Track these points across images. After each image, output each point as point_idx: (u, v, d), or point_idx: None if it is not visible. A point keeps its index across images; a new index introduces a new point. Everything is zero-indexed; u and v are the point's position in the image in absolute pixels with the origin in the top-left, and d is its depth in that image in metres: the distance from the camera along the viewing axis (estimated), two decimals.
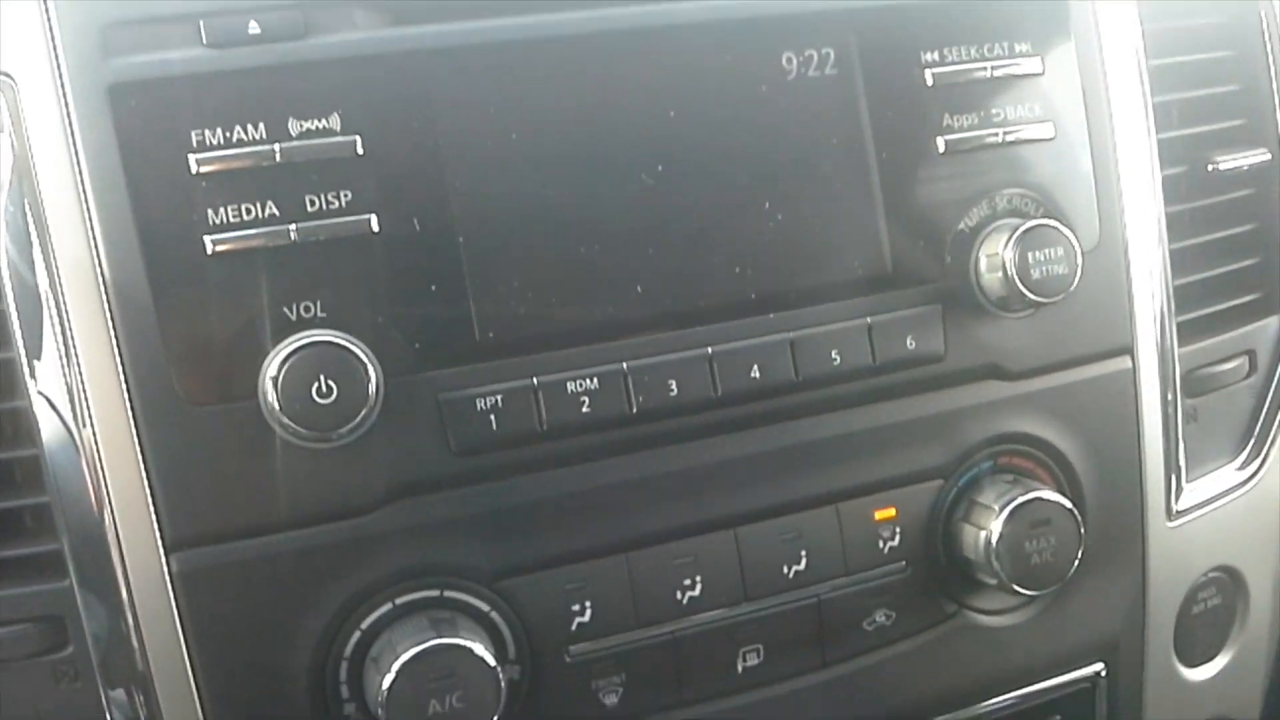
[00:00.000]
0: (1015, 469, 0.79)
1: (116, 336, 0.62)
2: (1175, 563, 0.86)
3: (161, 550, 0.63)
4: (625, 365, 0.69)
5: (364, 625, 0.66)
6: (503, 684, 0.64)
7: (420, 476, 0.67)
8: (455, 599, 0.68)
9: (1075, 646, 0.82)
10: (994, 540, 0.74)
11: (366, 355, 0.62)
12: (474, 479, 0.68)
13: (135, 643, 0.64)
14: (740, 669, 0.73)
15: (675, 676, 0.72)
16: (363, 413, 0.62)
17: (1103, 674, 0.82)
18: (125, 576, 0.63)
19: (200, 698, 0.65)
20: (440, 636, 0.64)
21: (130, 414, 0.62)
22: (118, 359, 0.62)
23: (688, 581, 0.71)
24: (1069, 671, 0.81)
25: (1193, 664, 0.90)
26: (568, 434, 0.68)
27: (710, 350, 0.70)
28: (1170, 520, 0.85)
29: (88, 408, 0.62)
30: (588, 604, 0.70)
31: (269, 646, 0.65)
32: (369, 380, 0.62)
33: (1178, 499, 0.86)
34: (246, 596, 0.65)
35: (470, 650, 0.64)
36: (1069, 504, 0.75)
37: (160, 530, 0.63)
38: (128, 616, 0.64)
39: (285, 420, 0.61)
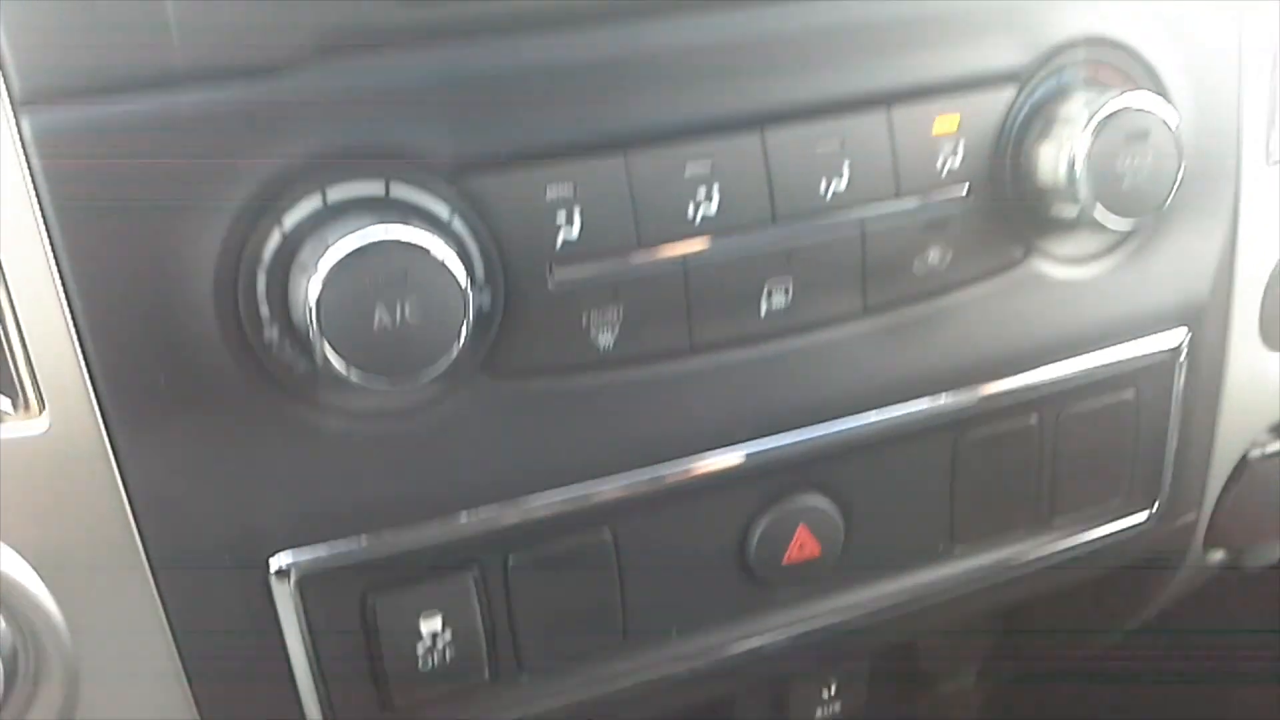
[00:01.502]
0: (1102, 81, 0.64)
1: None
2: (1270, 214, 0.72)
3: (9, 104, 0.48)
4: None
5: (286, 224, 0.51)
6: (469, 295, 0.50)
7: (359, 23, 0.51)
8: (406, 200, 0.52)
9: (1156, 308, 0.68)
10: (1079, 157, 0.59)
11: None
12: (431, 33, 0.52)
13: None
14: (764, 310, 0.59)
15: (684, 314, 0.58)
16: None
17: (1186, 342, 0.69)
18: None
19: (78, 333, 0.51)
20: (388, 230, 0.49)
21: None
22: None
23: (702, 192, 0.56)
24: (1149, 335, 0.68)
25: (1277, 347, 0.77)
26: None
27: None
28: (1269, 163, 0.71)
29: None
30: (576, 213, 0.55)
31: (159, 247, 0.50)
32: None
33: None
34: (126, 178, 0.49)
35: (427, 251, 0.49)
36: (1171, 116, 0.60)
37: (4, 79, 0.47)
38: None
39: None
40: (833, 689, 0.86)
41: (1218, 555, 0.85)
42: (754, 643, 0.67)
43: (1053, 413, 0.68)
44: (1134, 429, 0.71)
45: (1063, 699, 1.47)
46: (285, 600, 0.56)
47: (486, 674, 0.61)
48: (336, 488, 0.55)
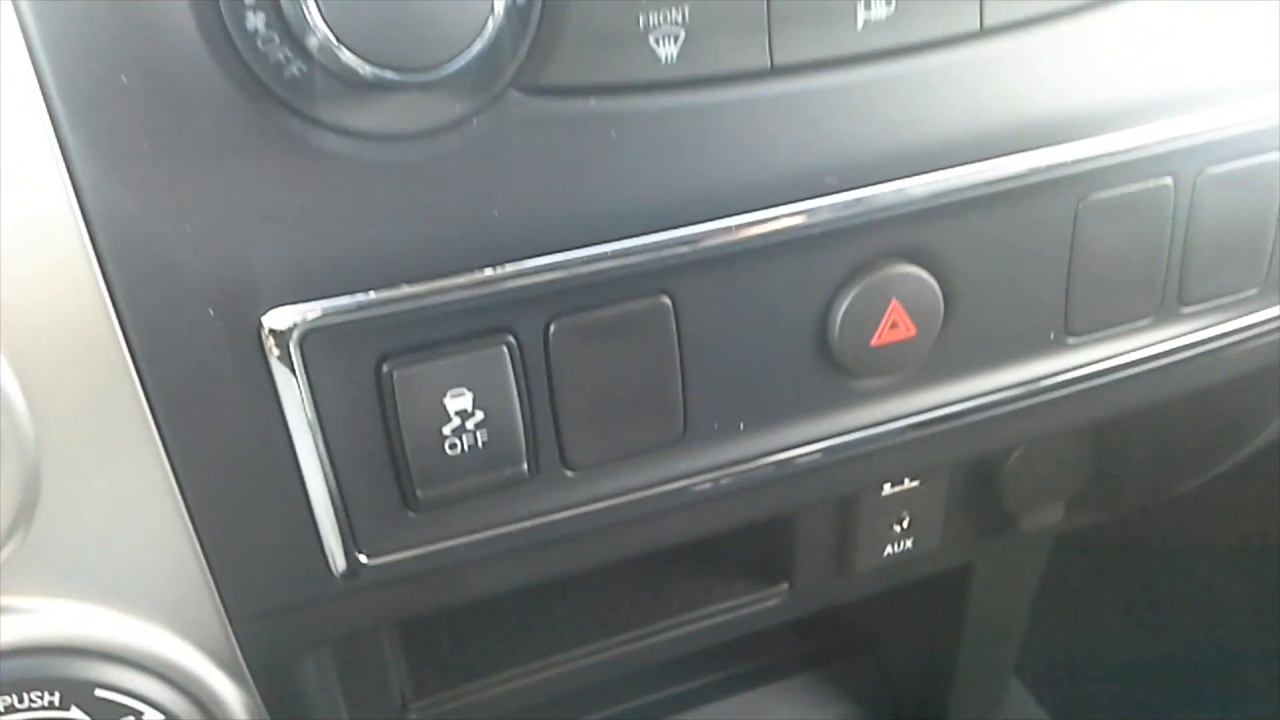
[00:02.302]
0: None
1: None
2: None
3: None
4: None
5: None
6: None
7: None
8: None
9: None
10: None
11: None
12: None
13: None
14: (860, 21, 0.48)
15: (764, 21, 0.47)
16: None
17: None
18: None
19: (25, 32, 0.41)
20: None
21: None
22: None
23: None
24: None
25: None
26: None
27: None
28: None
29: None
30: None
31: None
32: None
33: None
34: None
35: None
36: None
37: None
38: None
39: None
40: (905, 523, 0.77)
41: None
42: (833, 443, 0.57)
43: (1190, 173, 0.57)
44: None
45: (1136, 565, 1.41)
46: (284, 370, 0.47)
47: (525, 466, 0.52)
48: (342, 228, 0.45)
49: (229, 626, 0.53)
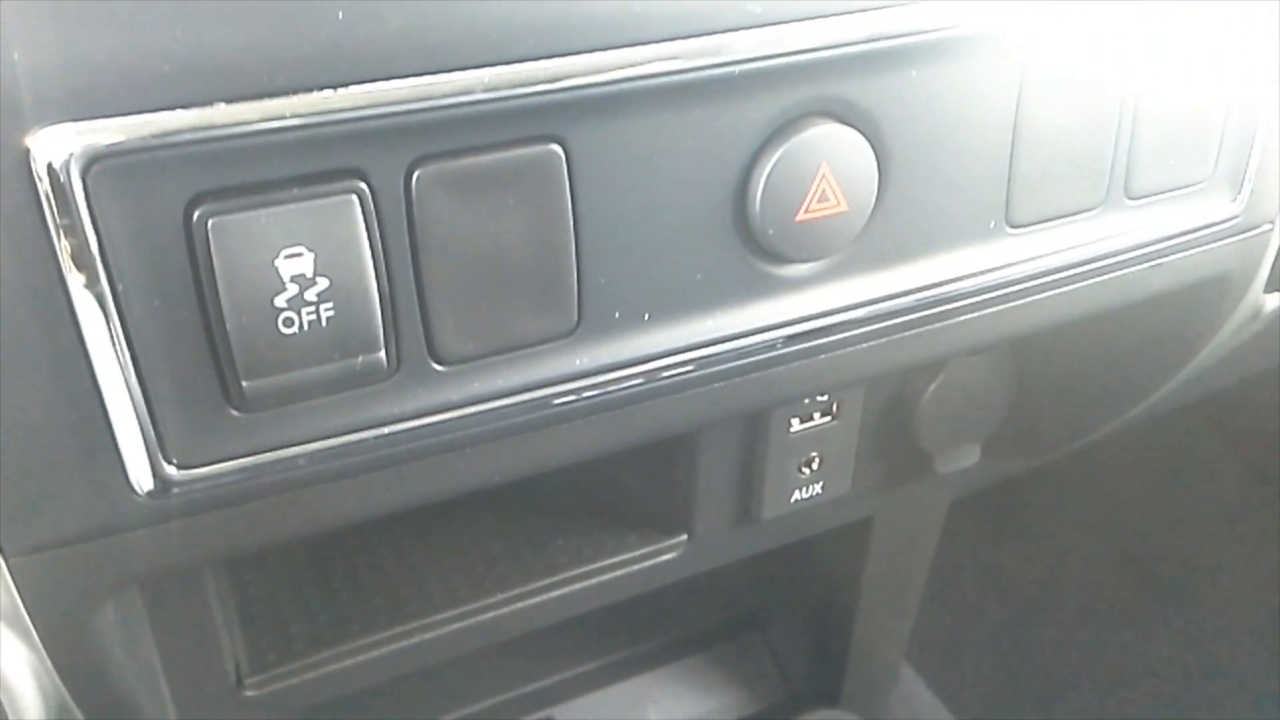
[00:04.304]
0: None
1: None
2: None
3: None
4: None
5: None
6: None
7: None
8: None
9: None
10: None
11: None
12: None
13: None
14: None
15: None
16: None
17: None
18: None
19: None
20: None
21: None
22: None
23: None
24: None
25: None
26: None
27: None
28: None
29: None
30: None
31: None
32: None
33: None
34: None
35: None
36: None
37: None
38: None
39: None
40: (815, 465, 0.69)
41: (1274, 302, 0.71)
42: (751, 341, 0.49)
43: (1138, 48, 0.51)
44: (1230, 88, 0.55)
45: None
46: (62, 214, 0.36)
47: (382, 355, 0.42)
48: (143, 22, 0.35)
49: (2, 561, 0.42)
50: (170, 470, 0.41)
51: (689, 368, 0.48)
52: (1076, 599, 1.50)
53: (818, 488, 0.71)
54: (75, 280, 0.37)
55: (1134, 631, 1.45)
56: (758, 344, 0.49)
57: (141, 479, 0.41)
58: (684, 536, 0.70)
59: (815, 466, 0.70)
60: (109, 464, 0.40)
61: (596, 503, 0.72)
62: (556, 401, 0.46)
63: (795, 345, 0.50)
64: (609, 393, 0.47)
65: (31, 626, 0.44)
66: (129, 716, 0.54)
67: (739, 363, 0.49)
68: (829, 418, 0.68)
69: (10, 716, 0.44)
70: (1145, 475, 1.62)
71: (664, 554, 0.69)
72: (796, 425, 0.67)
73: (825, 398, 0.66)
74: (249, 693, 0.60)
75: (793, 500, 0.70)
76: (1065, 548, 1.57)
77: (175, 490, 0.41)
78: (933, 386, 0.70)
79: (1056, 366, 0.74)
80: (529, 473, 0.50)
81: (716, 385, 0.50)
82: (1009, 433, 0.77)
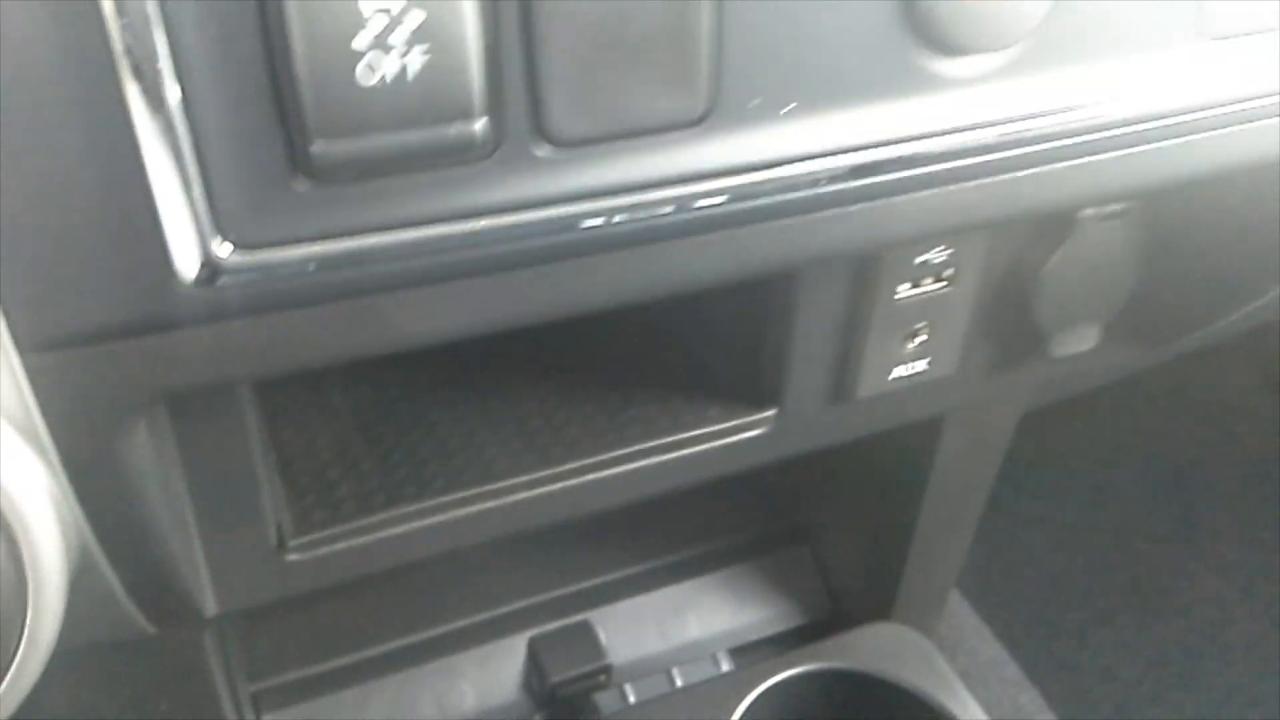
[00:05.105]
0: None
1: None
2: None
3: None
4: None
5: None
6: None
7: None
8: None
9: None
10: None
11: None
12: None
13: None
14: None
15: None
16: None
17: None
18: None
19: None
20: None
21: None
22: None
23: None
24: None
25: None
26: None
27: None
28: None
29: None
30: None
31: None
32: None
33: None
34: None
35: None
36: None
37: None
38: None
39: None
40: (921, 339, 0.62)
41: None
42: (905, 152, 0.41)
43: None
44: None
45: None
46: None
47: (480, 125, 0.34)
48: None
49: (18, 360, 0.35)
50: (222, 251, 0.34)
51: (833, 174, 0.40)
52: (1114, 531, 1.47)
53: (922, 364, 0.64)
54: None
55: (1168, 568, 1.43)
56: (915, 155, 0.41)
57: (187, 260, 0.33)
58: (773, 411, 0.62)
59: (922, 341, 0.63)
60: (148, 240, 0.33)
61: (673, 371, 0.65)
62: (679, 205, 0.39)
63: (955, 161, 0.42)
64: (736, 200, 0.40)
65: (52, 445, 0.37)
66: (161, 575, 0.48)
67: (890, 177, 0.41)
68: (943, 283, 0.61)
69: (25, 554, 0.37)
70: (1184, 411, 1.59)
71: (750, 429, 0.62)
72: (904, 290, 0.60)
73: (945, 255, 0.58)
74: (291, 556, 0.54)
75: (892, 377, 0.63)
76: (1104, 481, 1.53)
77: (226, 278, 0.34)
78: (1058, 253, 0.62)
79: (1191, 239, 0.66)
80: (632, 297, 0.43)
81: (857, 207, 0.42)
82: (1130, 316, 0.69)
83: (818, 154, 0.40)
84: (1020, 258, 0.63)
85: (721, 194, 0.39)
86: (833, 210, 0.42)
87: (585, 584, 1.02)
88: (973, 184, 0.43)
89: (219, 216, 0.33)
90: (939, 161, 0.42)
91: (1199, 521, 1.46)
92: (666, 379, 0.64)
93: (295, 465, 0.58)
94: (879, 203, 0.42)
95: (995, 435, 0.91)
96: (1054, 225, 0.61)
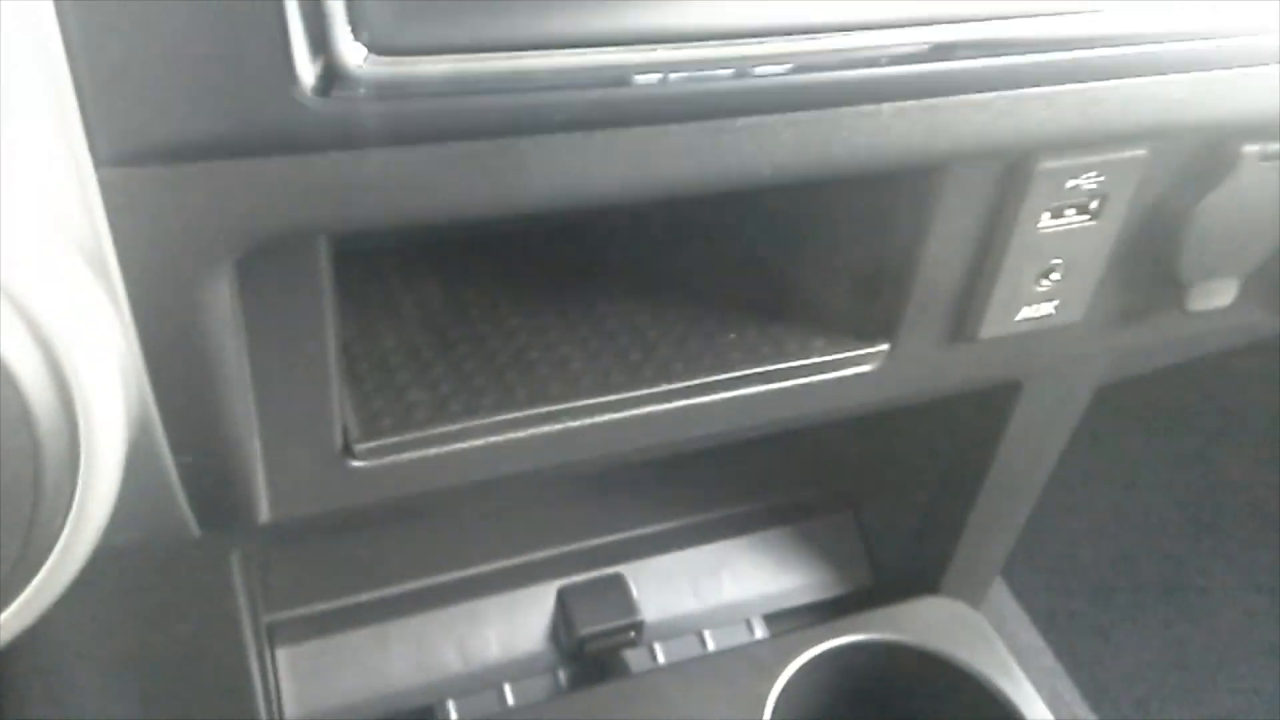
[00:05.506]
0: None
1: None
2: None
3: None
4: None
5: None
6: None
7: None
8: None
9: None
10: None
11: None
12: None
13: None
14: None
15: None
16: None
17: None
18: None
19: None
20: None
21: None
22: None
23: None
24: None
25: None
26: None
27: None
28: None
29: None
30: None
31: None
32: None
33: None
34: None
35: None
36: None
37: None
38: None
39: None
40: (1053, 278, 0.56)
41: None
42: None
43: None
44: None
45: None
46: None
47: None
48: None
49: (94, 176, 0.28)
50: (354, 55, 0.27)
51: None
52: (1143, 510, 1.46)
53: (1049, 307, 0.57)
54: None
55: (1192, 549, 1.41)
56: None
57: (308, 63, 0.27)
58: (885, 346, 0.56)
59: (1054, 280, 0.57)
60: (264, 34, 0.27)
61: (775, 296, 0.59)
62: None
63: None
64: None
65: (123, 286, 0.31)
66: (220, 466, 0.42)
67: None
68: (1086, 216, 0.54)
69: (80, 413, 0.31)
70: (1212, 394, 1.57)
71: (859, 364, 0.56)
72: (1046, 220, 0.54)
73: (1095, 182, 0.52)
74: (356, 462, 0.48)
75: (1019, 317, 0.57)
76: (1137, 459, 1.51)
77: (355, 90, 0.28)
78: (1215, 191, 0.56)
79: None
80: (794, 175, 0.36)
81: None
82: (1267, 273, 0.63)
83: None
84: (1173, 193, 0.56)
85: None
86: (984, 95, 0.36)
87: (620, 535, 0.96)
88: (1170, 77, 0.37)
89: (355, 7, 0.27)
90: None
91: (1224, 520, 1.45)
92: (768, 304, 0.58)
93: (360, 365, 0.51)
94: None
95: (1070, 406, 0.85)
96: (1212, 160, 0.55)
